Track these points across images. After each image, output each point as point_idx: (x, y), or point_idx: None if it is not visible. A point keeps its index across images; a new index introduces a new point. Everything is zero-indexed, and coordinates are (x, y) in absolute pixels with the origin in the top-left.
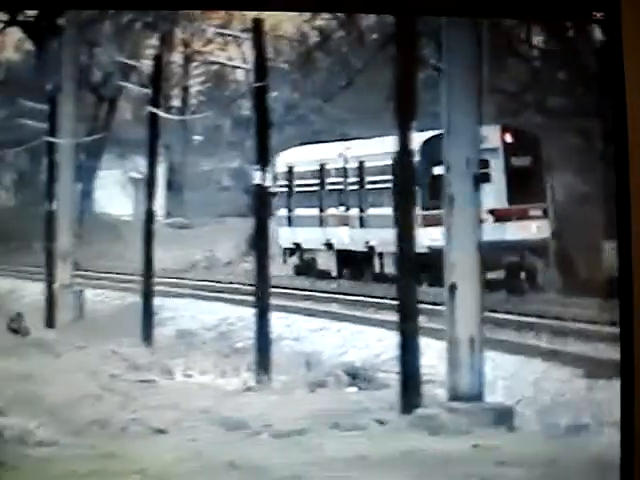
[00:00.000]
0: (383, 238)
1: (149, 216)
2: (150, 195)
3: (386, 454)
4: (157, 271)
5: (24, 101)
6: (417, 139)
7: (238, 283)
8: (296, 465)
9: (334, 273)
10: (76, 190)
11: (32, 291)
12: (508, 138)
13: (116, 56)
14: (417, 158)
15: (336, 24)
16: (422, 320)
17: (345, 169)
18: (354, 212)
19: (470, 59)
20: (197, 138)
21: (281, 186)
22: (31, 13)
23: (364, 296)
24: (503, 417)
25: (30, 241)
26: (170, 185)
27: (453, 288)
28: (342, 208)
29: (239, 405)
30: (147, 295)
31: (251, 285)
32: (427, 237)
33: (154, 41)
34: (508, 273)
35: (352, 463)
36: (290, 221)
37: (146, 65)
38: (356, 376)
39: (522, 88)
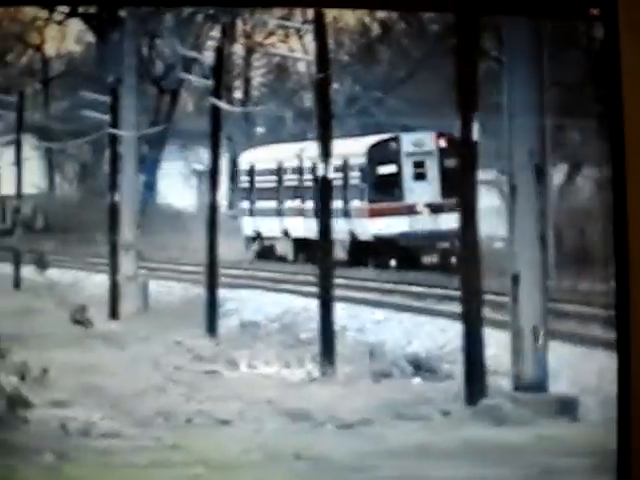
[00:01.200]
0: (335, 227)
1: (212, 207)
2: (213, 186)
3: (450, 444)
4: (220, 262)
5: (86, 93)
6: (365, 144)
7: (302, 273)
8: (360, 455)
9: (290, 258)
10: (139, 182)
11: (95, 283)
12: (442, 143)
13: (178, 48)
14: (364, 160)
15: (397, 16)
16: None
17: (301, 168)
18: (309, 204)
19: (531, 51)
20: (259, 130)
21: (243, 182)
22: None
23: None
24: (567, 407)
25: (93, 233)
26: (233, 177)
27: (516, 278)
28: (298, 201)
29: (303, 396)
30: (211, 286)
31: (315, 276)
32: (373, 227)
33: (216, 33)
34: (441, 257)
35: (416, 453)
36: (252, 212)
37: (208, 57)
38: (420, 367)
39: (582, 80)
